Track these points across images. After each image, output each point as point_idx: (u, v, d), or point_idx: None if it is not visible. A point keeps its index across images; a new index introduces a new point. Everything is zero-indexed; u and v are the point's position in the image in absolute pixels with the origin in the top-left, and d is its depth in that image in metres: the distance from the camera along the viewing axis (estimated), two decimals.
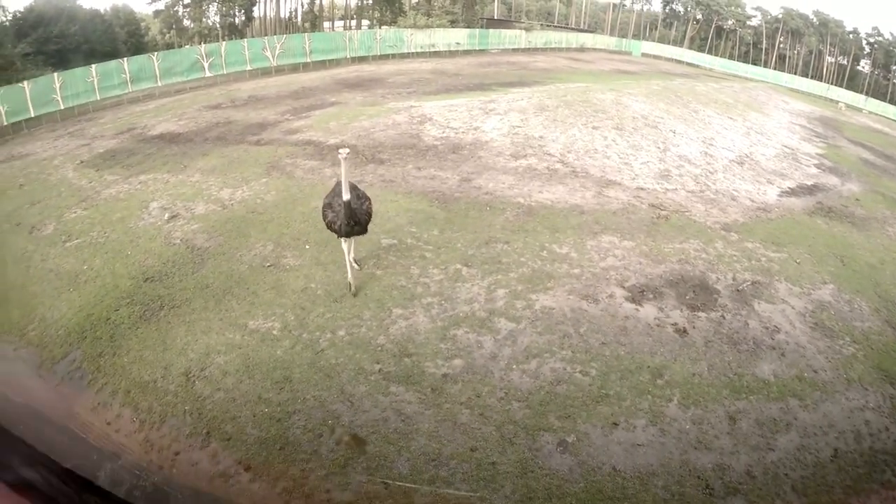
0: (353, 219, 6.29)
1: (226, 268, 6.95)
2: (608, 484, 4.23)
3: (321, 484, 4.12)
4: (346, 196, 6.14)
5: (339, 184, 6.41)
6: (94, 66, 17.81)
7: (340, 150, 6.00)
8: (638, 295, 6.32)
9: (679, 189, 9.22)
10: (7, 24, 23.36)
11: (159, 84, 19.15)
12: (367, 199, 6.71)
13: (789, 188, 9.41)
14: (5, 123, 15.06)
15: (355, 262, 6.82)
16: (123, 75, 18.34)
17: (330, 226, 6.46)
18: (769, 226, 7.80)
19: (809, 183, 10.03)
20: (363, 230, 6.57)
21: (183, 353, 5.58)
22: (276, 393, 5.03)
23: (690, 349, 5.53)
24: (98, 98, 17.46)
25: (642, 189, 9.19)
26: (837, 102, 29.61)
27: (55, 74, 17.15)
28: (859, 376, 5.31)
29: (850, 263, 7.10)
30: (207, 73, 20.16)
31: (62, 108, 16.63)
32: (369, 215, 6.61)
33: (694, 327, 5.82)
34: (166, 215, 8.44)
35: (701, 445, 4.53)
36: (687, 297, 6.28)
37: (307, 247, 7.33)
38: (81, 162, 11.32)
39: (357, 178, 9.54)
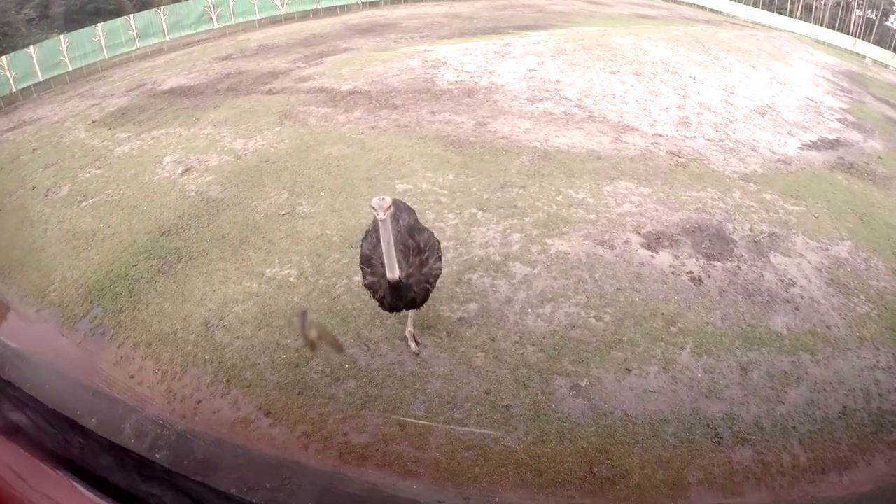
0: (404, 296, 4.37)
1: (241, 218, 6.93)
2: (619, 428, 4.27)
3: (339, 427, 4.19)
4: (392, 274, 4.13)
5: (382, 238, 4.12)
6: (100, 25, 17.48)
7: (375, 205, 3.94)
8: (654, 242, 6.27)
9: (698, 137, 9.06)
10: None
11: (167, 39, 18.78)
12: (436, 250, 4.70)
13: (811, 141, 9.24)
14: (15, 90, 14.92)
15: (415, 339, 4.93)
16: (130, 32, 17.99)
17: (370, 291, 4.55)
18: (788, 178, 7.69)
19: (831, 137, 9.85)
20: (420, 304, 4.69)
21: (202, 304, 5.63)
22: (294, 339, 5.07)
23: (705, 298, 5.51)
24: (106, 57, 17.20)
25: (660, 136, 9.04)
26: (864, 57, 28.78)
27: (62, 37, 16.89)
28: (872, 336, 5.27)
29: (869, 221, 7.00)
30: (216, 25, 19.69)
31: (70, 69, 16.42)
32: (434, 281, 4.68)
33: (709, 276, 5.78)
34: (180, 169, 8.39)
35: (712, 394, 4.55)
36: (703, 246, 6.23)
37: (322, 194, 7.28)
38: (93, 122, 11.21)
39: (372, 122, 9.43)
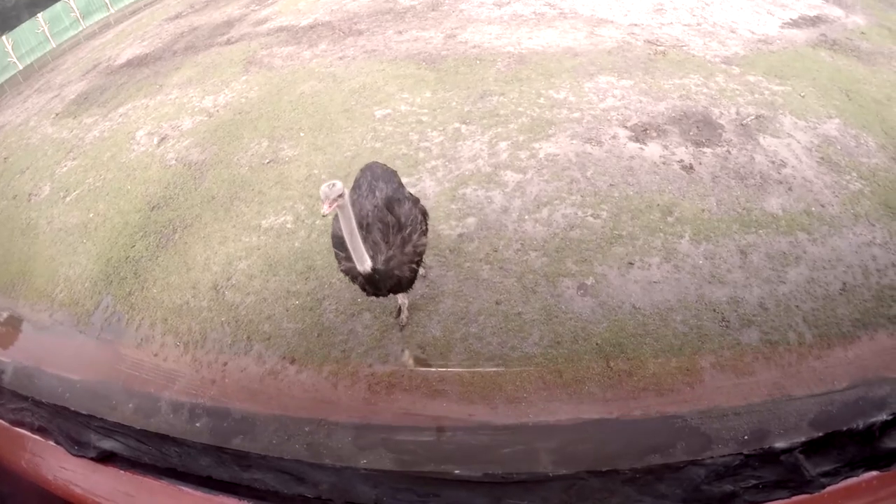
0: (384, 284, 3.86)
1: (227, 175, 6.84)
2: (630, 321, 4.36)
3: (362, 360, 4.25)
4: (363, 266, 3.62)
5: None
6: (39, 15, 16.60)
7: (322, 195, 3.33)
8: (641, 134, 6.23)
9: (674, 23, 8.85)
10: None
11: (112, 11, 17.84)
12: (419, 223, 4.10)
13: (791, 19, 9.00)
14: None
15: (403, 310, 4.55)
16: (73, 14, 17.09)
17: (348, 277, 3.99)
18: (771, 58, 7.57)
19: (812, 14, 9.58)
20: (406, 288, 4.19)
21: (207, 269, 5.62)
22: (304, 283, 5.11)
23: (698, 185, 5.52)
24: (54, 46, 16.43)
25: (636, 25, 8.82)
26: None
27: (3, 38, 16.06)
28: (866, 212, 5.28)
29: (856, 98, 6.88)
30: None
31: (21, 68, 15.70)
32: (419, 259, 4.12)
33: (700, 163, 5.78)
34: (155, 140, 8.20)
35: (714, 280, 4.62)
36: (691, 134, 6.19)
37: (302, 134, 7.17)
38: (56, 114, 10.84)
39: (339, 53, 9.19)
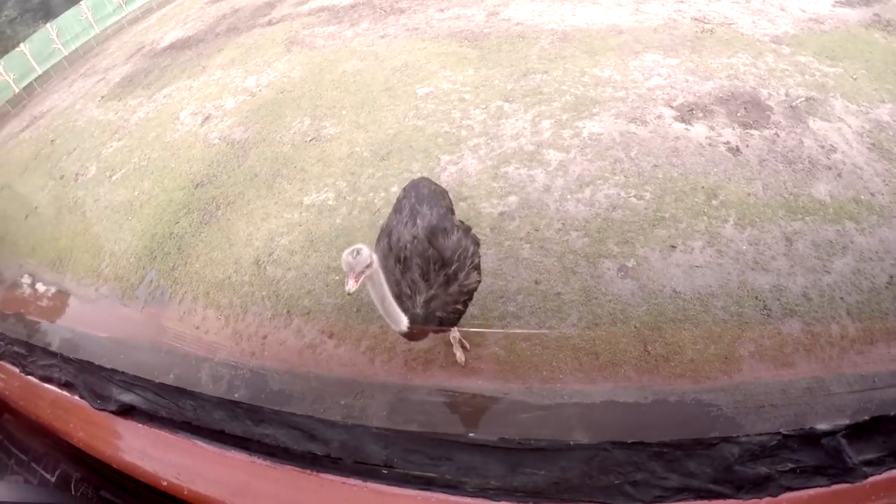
0: (427, 324, 3.24)
1: (269, 153, 6.98)
2: (669, 306, 4.32)
3: (400, 336, 4.34)
4: (398, 327, 3.07)
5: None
6: (83, 2, 16.90)
7: (345, 266, 2.63)
8: (687, 114, 6.12)
9: (722, 0, 8.66)
10: None
11: None
12: (470, 255, 3.42)
13: None
14: (17, 90, 14.72)
15: (462, 345, 4.14)
16: (115, 0, 17.36)
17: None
18: (822, 38, 7.33)
19: None
20: (452, 325, 3.67)
21: (249, 244, 5.78)
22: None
23: (744, 168, 5.41)
24: (98, 31, 16.91)
25: (682, 2, 8.61)
26: None
27: (48, 25, 16.48)
28: None
29: None
30: None
31: (66, 54, 16.19)
32: (468, 298, 3.52)
33: (747, 146, 5.66)
34: (199, 119, 8.40)
35: (758, 266, 4.54)
36: (738, 115, 6.06)
37: (343, 112, 7.25)
38: (102, 97, 11.20)
39: (380, 31, 9.21)
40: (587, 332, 4.21)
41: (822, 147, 5.64)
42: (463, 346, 4.12)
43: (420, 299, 3.14)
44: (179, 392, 1.30)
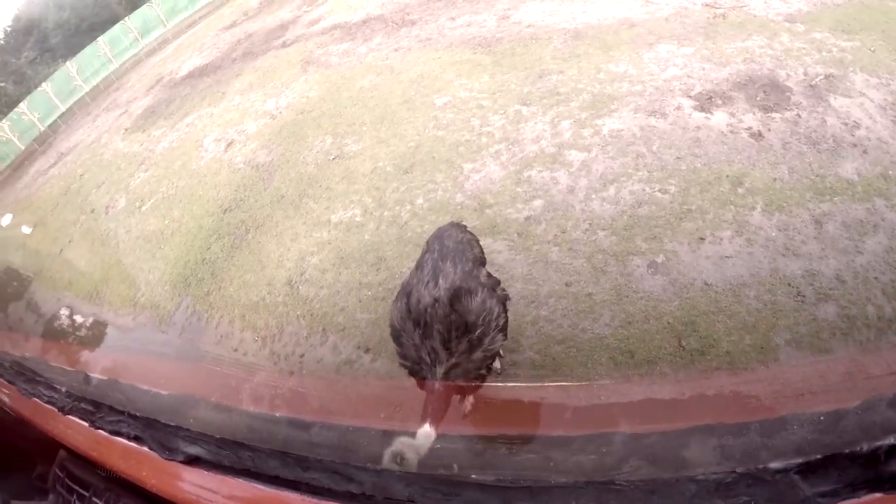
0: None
1: (294, 174, 7.13)
2: (701, 299, 4.31)
3: None
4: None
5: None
6: (100, 38, 17.45)
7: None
8: (706, 102, 6.10)
9: None
10: (2, 42, 22.91)
11: (168, 27, 18.61)
12: (495, 317, 3.00)
13: None
14: (42, 129, 15.19)
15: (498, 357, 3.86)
16: (131, 34, 18.01)
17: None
18: (837, 12, 7.23)
19: None
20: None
21: (280, 266, 5.91)
22: (375, 275, 5.28)
23: (768, 153, 5.37)
24: (116, 66, 17.55)
25: None
26: None
27: (68, 64, 17.10)
28: None
29: None
30: None
31: (88, 89, 16.68)
32: (492, 361, 3.33)
33: (769, 130, 5.62)
34: (222, 146, 8.63)
35: (789, 252, 4.50)
36: (758, 99, 6.02)
37: (364, 128, 7.38)
38: (126, 130, 11.63)
39: (394, 45, 9.33)
40: (620, 330, 4.22)
41: (846, 124, 5.56)
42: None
43: (440, 371, 2.82)
44: (238, 445, 1.45)
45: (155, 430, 1.56)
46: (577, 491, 1.05)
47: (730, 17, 7.65)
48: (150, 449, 1.49)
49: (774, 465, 0.98)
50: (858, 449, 0.90)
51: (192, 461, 1.40)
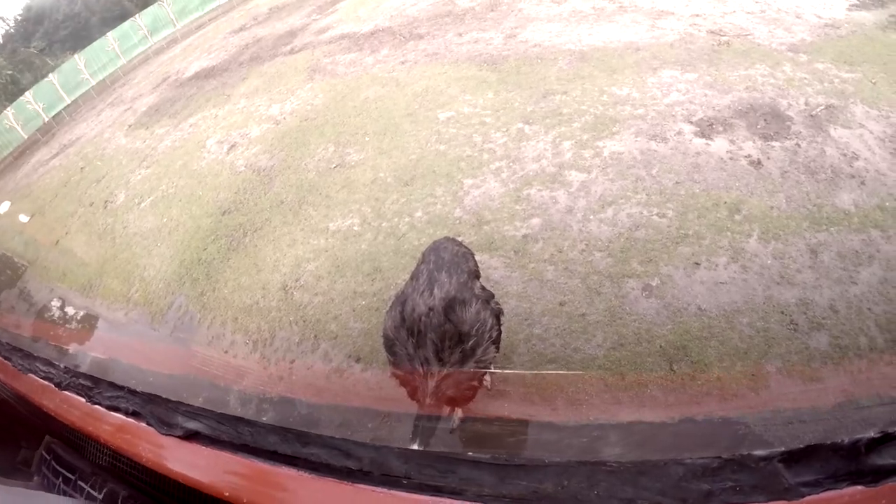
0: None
1: (294, 180, 7.19)
2: (695, 324, 4.31)
3: None
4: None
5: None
6: (109, 33, 17.64)
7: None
8: (707, 129, 6.14)
9: (737, 11, 8.64)
10: (12, 30, 23.28)
11: (178, 27, 18.78)
12: (488, 329, 3.00)
13: (859, 1, 8.73)
14: (47, 119, 15.28)
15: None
16: (141, 31, 18.22)
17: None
18: (839, 44, 7.29)
19: None
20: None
21: (276, 270, 5.95)
22: (370, 284, 5.30)
23: (766, 181, 5.39)
24: (124, 61, 17.80)
25: (698, 15, 8.67)
26: None
27: (76, 56, 17.27)
28: None
29: None
30: (221, 0, 19.35)
31: (94, 83, 16.81)
32: (482, 376, 3.25)
33: (768, 158, 5.65)
34: (225, 148, 8.70)
35: (783, 280, 4.51)
36: (758, 127, 6.06)
37: (367, 138, 7.44)
38: (129, 126, 11.73)
39: (400, 58, 9.39)
40: (612, 352, 4.23)
41: (845, 155, 5.60)
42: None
43: (431, 384, 2.76)
44: (237, 420, 1.48)
45: (154, 405, 1.58)
46: (570, 469, 1.07)
47: (734, 44, 7.71)
48: (149, 424, 1.51)
49: (758, 452, 1.00)
50: (840, 441, 0.92)
51: (191, 436, 1.42)
